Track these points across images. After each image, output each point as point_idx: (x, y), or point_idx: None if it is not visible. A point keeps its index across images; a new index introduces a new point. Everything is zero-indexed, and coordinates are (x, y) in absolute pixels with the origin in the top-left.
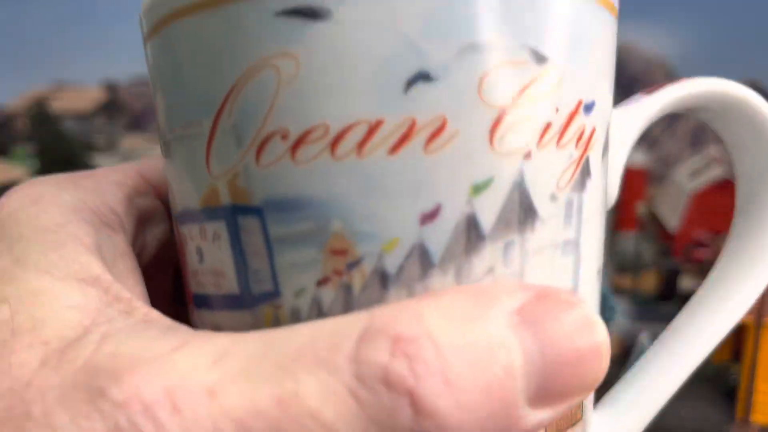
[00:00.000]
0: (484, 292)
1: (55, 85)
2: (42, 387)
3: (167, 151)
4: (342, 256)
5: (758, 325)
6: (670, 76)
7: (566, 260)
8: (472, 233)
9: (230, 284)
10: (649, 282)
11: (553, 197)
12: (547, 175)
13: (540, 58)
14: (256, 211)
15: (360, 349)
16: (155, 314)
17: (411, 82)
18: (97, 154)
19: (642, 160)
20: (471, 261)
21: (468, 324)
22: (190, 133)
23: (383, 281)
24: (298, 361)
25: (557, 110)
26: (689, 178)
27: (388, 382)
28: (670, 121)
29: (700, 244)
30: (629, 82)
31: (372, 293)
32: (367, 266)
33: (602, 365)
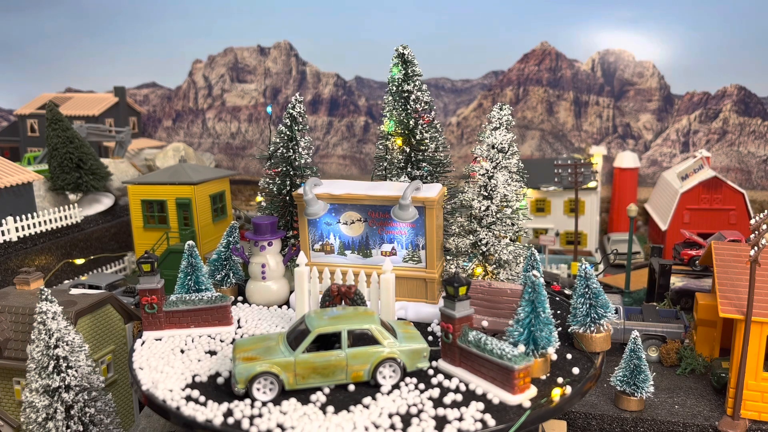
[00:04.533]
0: None
1: (65, 91)
2: None
3: None
4: None
5: (747, 322)
6: (662, 80)
7: None
8: None
9: None
10: (641, 281)
11: None
12: None
13: None
14: None
15: None
16: None
17: None
18: (106, 156)
19: (634, 162)
20: None
21: None
22: None
23: None
24: None
25: None
26: (680, 178)
27: None
28: (661, 123)
29: (693, 244)
30: (622, 86)
31: None
32: None
33: None
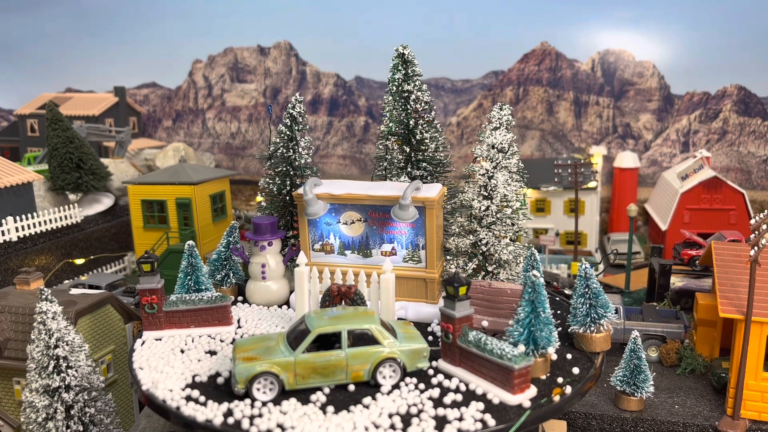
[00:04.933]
0: None
1: (65, 91)
2: None
3: None
4: None
5: (747, 322)
6: (662, 80)
7: None
8: None
9: None
10: (641, 281)
11: None
12: None
13: None
14: None
15: None
16: None
17: None
18: (106, 156)
19: (634, 162)
20: None
21: None
22: None
23: None
24: None
25: None
26: (680, 178)
27: None
28: (661, 123)
29: (693, 244)
30: (622, 86)
31: None
32: None
33: None
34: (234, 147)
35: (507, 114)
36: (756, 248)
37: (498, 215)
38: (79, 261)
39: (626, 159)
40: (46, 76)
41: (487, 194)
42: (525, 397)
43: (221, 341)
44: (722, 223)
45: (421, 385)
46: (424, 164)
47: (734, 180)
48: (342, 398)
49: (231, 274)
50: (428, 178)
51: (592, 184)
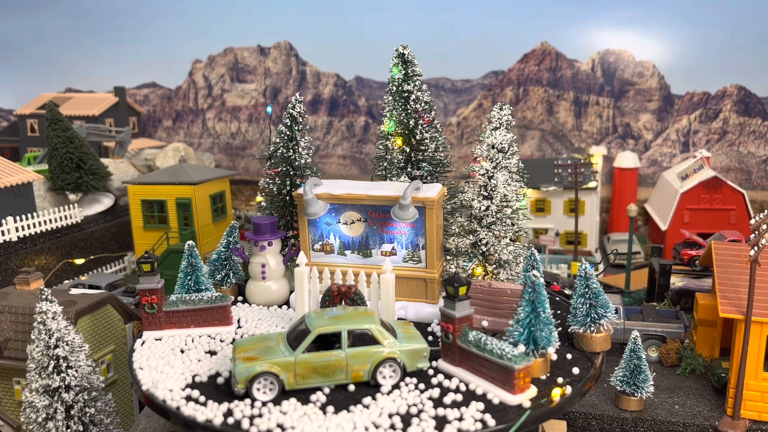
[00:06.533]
0: None
1: (65, 91)
2: None
3: None
4: None
5: (747, 322)
6: (662, 80)
7: None
8: None
9: None
10: (641, 281)
11: None
12: None
13: None
14: None
15: None
16: None
17: None
18: (106, 156)
19: (634, 162)
20: None
21: None
22: None
23: None
24: None
25: None
26: (680, 178)
27: None
28: (661, 123)
29: (693, 244)
30: (622, 86)
31: None
32: None
33: None
34: (234, 147)
35: (507, 114)
36: (756, 248)
37: (498, 215)
38: (79, 261)
39: (626, 159)
40: (46, 76)
41: (487, 194)
42: (525, 397)
43: (221, 341)
44: (722, 223)
45: (421, 385)
46: (424, 164)
47: (734, 180)
48: (342, 398)
49: (231, 274)
50: (428, 178)
51: (592, 184)
